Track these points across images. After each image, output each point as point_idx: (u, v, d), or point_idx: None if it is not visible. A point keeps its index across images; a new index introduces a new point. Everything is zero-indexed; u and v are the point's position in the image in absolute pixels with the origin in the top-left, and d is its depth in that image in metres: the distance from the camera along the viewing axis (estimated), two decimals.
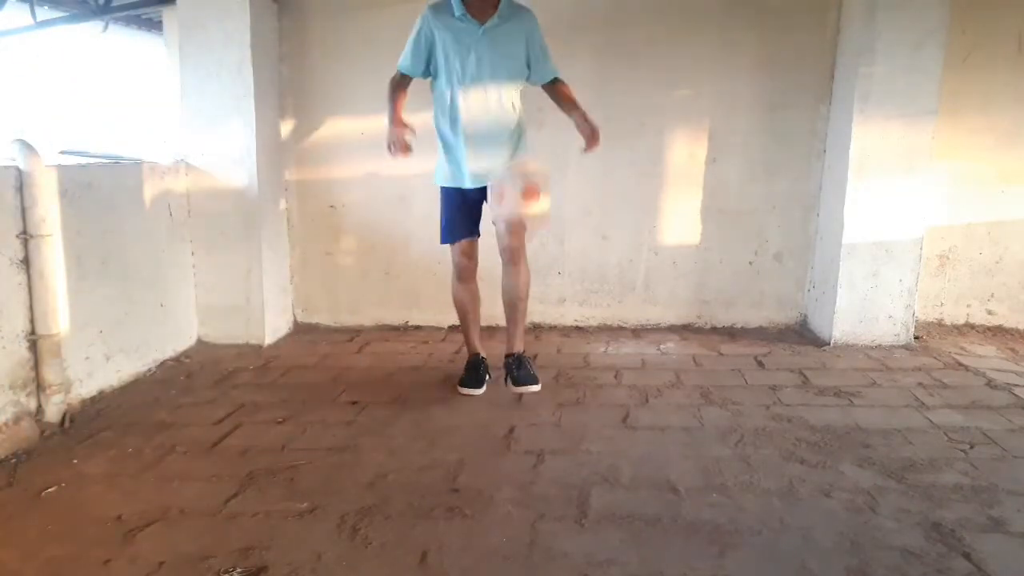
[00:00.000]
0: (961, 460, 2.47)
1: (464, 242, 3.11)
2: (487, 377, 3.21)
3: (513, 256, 3.11)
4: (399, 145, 2.91)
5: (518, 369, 3.16)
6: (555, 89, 3.10)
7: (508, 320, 3.26)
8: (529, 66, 3.04)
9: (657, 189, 4.15)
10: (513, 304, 3.20)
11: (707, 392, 3.15)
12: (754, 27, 3.97)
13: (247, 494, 2.28)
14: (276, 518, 2.13)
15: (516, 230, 3.04)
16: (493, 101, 2.97)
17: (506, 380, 3.18)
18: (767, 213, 4.13)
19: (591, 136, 2.94)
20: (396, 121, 2.95)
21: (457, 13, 2.92)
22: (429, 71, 3.05)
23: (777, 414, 2.90)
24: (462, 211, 3.08)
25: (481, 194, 3.05)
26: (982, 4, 3.93)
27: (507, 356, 3.24)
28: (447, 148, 3.06)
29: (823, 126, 4.01)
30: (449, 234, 3.13)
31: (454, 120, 3.00)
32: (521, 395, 3.11)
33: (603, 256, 4.23)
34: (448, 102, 3.00)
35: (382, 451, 2.59)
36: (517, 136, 3.06)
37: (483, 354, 3.28)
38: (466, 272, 3.16)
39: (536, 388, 3.13)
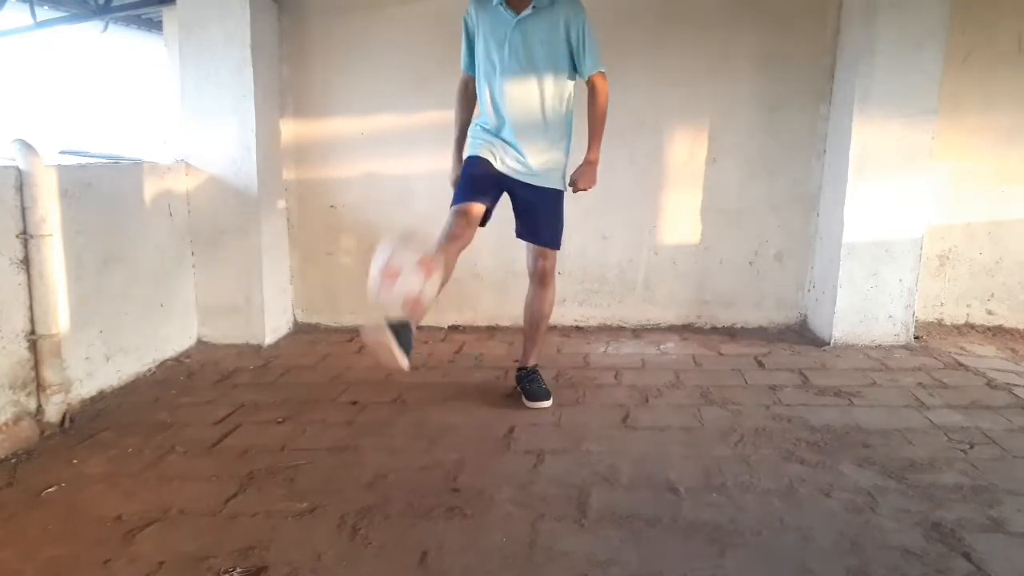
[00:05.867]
0: (961, 460, 2.47)
1: (470, 205, 2.78)
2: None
3: (543, 278, 2.99)
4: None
5: (530, 383, 3.05)
6: (591, 92, 2.91)
7: (527, 336, 3.10)
8: (573, 59, 2.86)
9: (657, 189, 4.15)
10: (535, 323, 3.07)
11: (707, 392, 3.15)
12: (754, 27, 3.97)
13: (247, 494, 2.28)
14: (276, 518, 2.13)
15: (546, 252, 2.94)
16: (528, 95, 2.83)
17: (518, 392, 3.07)
18: (767, 213, 4.13)
19: (581, 179, 2.90)
20: (454, 167, 3.03)
21: (495, 2, 2.82)
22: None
23: (777, 414, 2.90)
24: (481, 179, 2.86)
25: (507, 183, 2.89)
26: (982, 4, 3.93)
27: (520, 369, 3.12)
28: (480, 128, 2.93)
29: (823, 126, 4.01)
30: (460, 195, 2.84)
31: (487, 113, 2.90)
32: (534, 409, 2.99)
33: (603, 256, 4.23)
34: (485, 95, 2.90)
35: (382, 451, 2.59)
36: (557, 135, 2.89)
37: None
38: (454, 235, 2.72)
39: (547, 404, 2.99)
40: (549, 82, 2.84)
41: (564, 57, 2.85)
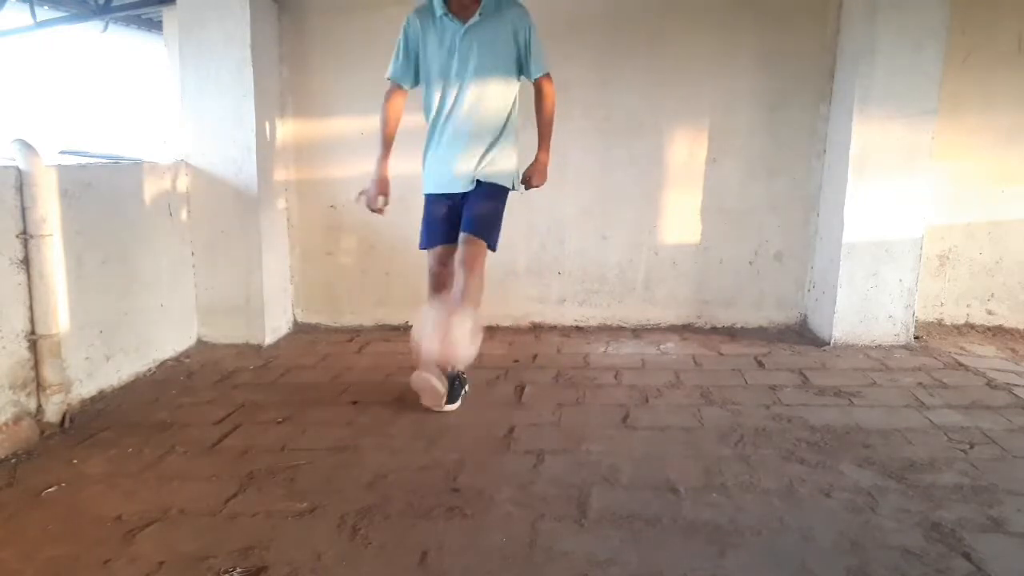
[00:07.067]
0: (961, 460, 2.47)
1: (440, 248, 2.97)
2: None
3: (466, 263, 2.87)
4: (372, 203, 2.98)
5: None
6: (538, 93, 2.98)
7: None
8: (520, 63, 2.92)
9: (657, 189, 4.15)
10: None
11: (707, 392, 3.15)
12: (754, 27, 3.97)
13: (247, 494, 2.28)
14: (276, 518, 2.13)
15: (471, 240, 2.85)
16: (478, 102, 2.85)
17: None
18: (767, 213, 4.13)
19: (534, 176, 3.03)
20: (379, 175, 2.97)
21: (439, 13, 2.83)
22: (419, 79, 2.97)
23: (777, 414, 2.90)
24: (441, 216, 2.95)
25: (462, 200, 2.93)
26: (982, 4, 3.93)
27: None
28: (430, 153, 2.96)
29: (823, 126, 4.01)
30: (424, 241, 3.01)
31: (438, 125, 2.92)
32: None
33: (603, 256, 4.23)
34: (433, 106, 2.91)
35: (382, 451, 2.59)
36: (506, 140, 2.92)
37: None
38: (439, 280, 2.99)
39: (448, 408, 2.92)
40: (498, 88, 2.89)
41: (511, 62, 2.90)
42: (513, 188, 3.00)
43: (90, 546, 1.98)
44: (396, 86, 2.98)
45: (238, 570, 1.87)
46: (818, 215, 4.09)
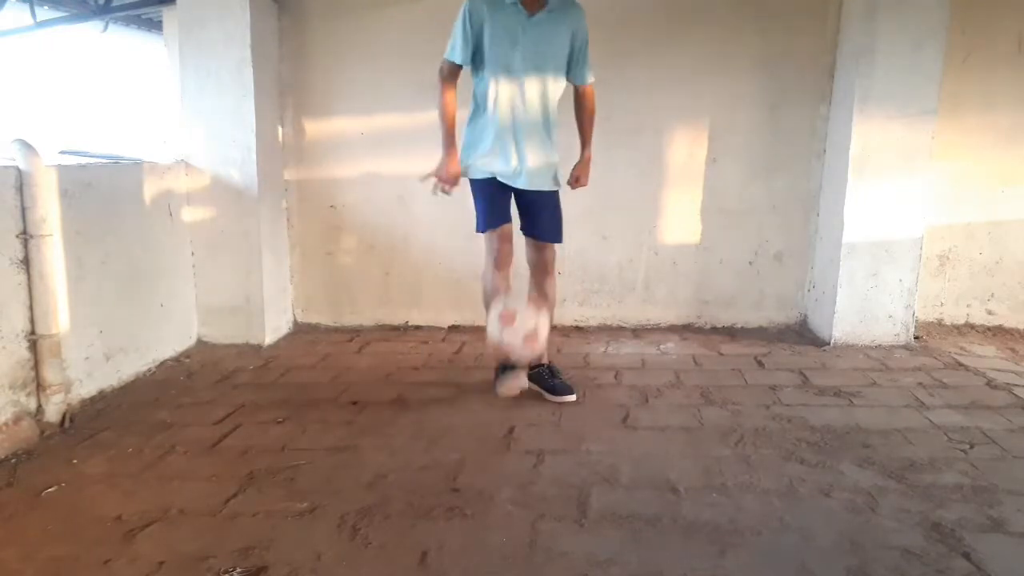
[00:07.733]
0: (961, 460, 2.47)
1: (505, 227, 2.98)
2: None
3: (546, 268, 3.05)
4: (449, 186, 2.91)
5: (552, 378, 3.08)
6: (583, 96, 3.04)
7: None
8: (569, 64, 2.93)
9: (657, 189, 4.15)
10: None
11: (707, 392, 3.15)
12: (754, 27, 3.97)
13: (247, 494, 2.28)
14: (276, 518, 2.13)
15: (548, 245, 3.02)
16: (536, 97, 2.85)
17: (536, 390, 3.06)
18: (767, 213, 4.13)
19: (583, 176, 3.12)
20: (451, 161, 2.89)
21: (508, 0, 2.78)
22: (474, 59, 2.89)
23: (777, 414, 2.90)
24: (502, 196, 2.97)
25: (513, 188, 2.97)
26: (982, 4, 3.93)
27: (535, 367, 3.09)
28: (491, 142, 2.89)
29: (823, 126, 4.01)
30: (488, 223, 2.96)
31: (498, 117, 2.86)
32: (559, 403, 3.02)
33: (603, 256, 4.23)
34: (492, 95, 2.85)
35: (382, 451, 2.59)
36: (553, 136, 2.96)
37: None
38: (505, 258, 3.00)
39: (572, 398, 3.04)
40: (552, 85, 2.90)
41: (564, 61, 2.91)
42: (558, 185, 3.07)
43: (90, 546, 1.98)
44: (457, 68, 2.90)
45: (238, 570, 1.87)
46: (818, 215, 4.09)
